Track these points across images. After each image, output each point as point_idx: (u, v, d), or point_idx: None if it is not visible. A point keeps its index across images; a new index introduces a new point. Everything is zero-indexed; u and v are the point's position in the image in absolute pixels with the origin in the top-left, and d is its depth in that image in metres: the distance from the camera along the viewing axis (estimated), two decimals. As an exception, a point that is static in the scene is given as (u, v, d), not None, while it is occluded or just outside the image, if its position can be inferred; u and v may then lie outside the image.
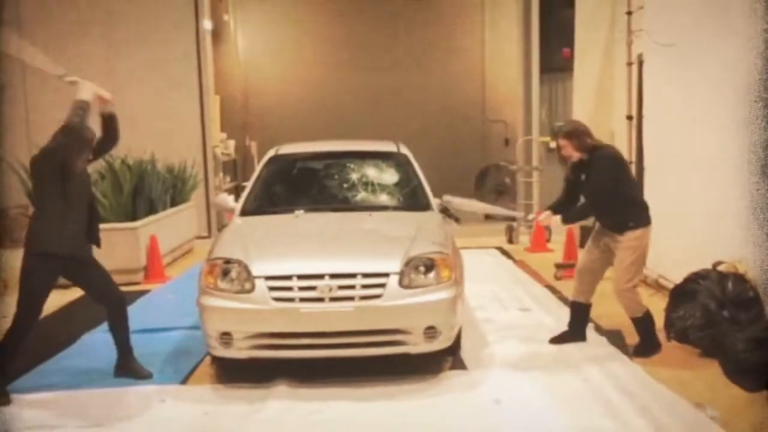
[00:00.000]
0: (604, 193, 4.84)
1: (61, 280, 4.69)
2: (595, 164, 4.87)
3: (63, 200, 4.40)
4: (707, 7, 5.76)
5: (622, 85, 8.06)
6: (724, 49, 5.45)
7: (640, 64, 7.40)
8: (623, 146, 8.02)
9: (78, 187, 4.50)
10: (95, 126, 4.70)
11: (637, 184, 5.04)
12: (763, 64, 4.79)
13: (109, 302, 4.75)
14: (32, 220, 4.54)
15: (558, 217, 5.04)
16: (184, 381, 4.70)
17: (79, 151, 4.44)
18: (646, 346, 4.96)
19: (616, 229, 4.89)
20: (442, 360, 4.82)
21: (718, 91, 5.58)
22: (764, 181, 4.98)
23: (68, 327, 5.87)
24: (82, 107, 4.52)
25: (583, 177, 4.96)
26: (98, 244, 4.72)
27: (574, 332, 5.24)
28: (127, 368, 4.78)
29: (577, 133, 4.92)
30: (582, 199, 5.11)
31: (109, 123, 4.72)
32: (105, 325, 5.82)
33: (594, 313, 5.44)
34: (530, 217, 5.60)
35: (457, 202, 5.61)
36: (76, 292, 6.74)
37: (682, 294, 5.23)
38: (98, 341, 5.54)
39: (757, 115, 4.97)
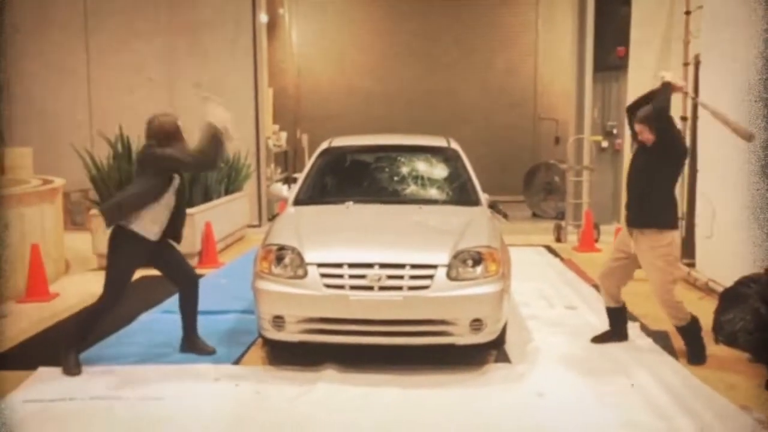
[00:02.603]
0: (650, 178, 4.74)
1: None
2: (665, 144, 4.74)
3: (157, 200, 4.66)
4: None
5: (677, 85, 7.94)
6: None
7: (697, 64, 7.30)
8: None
9: (172, 191, 4.75)
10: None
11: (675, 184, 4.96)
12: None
13: (184, 282, 4.97)
14: (135, 205, 4.71)
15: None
16: (237, 361, 4.89)
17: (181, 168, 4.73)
18: (695, 354, 4.85)
19: (641, 224, 4.80)
20: (487, 352, 4.90)
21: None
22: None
23: (126, 307, 6.09)
24: (218, 138, 4.57)
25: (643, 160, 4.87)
26: (179, 241, 4.97)
27: (616, 332, 5.25)
28: (193, 345, 5.01)
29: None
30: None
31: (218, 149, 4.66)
32: (161, 306, 6.12)
33: (640, 312, 5.44)
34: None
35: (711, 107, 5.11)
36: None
37: (732, 297, 5.18)
38: (155, 321, 5.79)
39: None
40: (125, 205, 4.63)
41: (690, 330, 4.88)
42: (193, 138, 4.82)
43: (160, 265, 4.98)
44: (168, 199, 4.72)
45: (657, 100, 4.81)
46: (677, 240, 4.84)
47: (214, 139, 4.57)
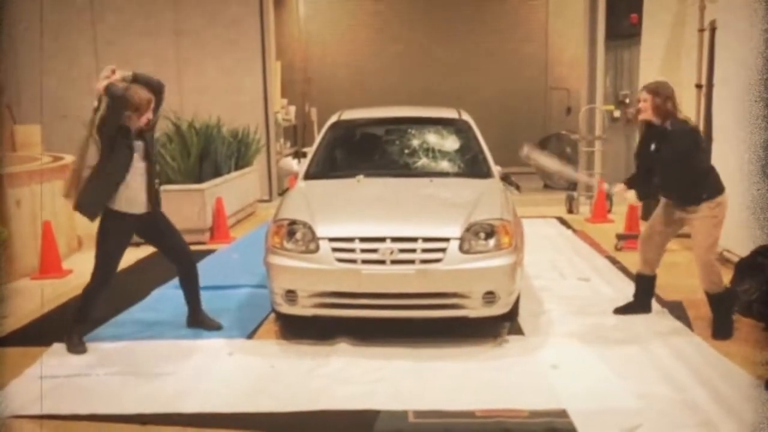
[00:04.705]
0: (677, 171, 4.67)
1: (135, 239, 4.94)
2: (669, 138, 4.67)
3: (116, 167, 4.52)
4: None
5: (692, 52, 7.81)
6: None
7: (713, 30, 7.16)
8: (691, 116, 7.80)
9: (130, 156, 4.56)
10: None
11: (709, 155, 4.86)
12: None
13: (179, 260, 4.97)
14: (112, 186, 4.68)
15: (632, 193, 4.93)
16: (251, 336, 4.90)
17: (122, 116, 4.52)
18: (721, 328, 4.73)
19: (689, 204, 4.74)
20: (500, 325, 4.88)
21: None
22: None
23: (139, 282, 6.15)
24: (110, 90, 4.50)
25: (653, 147, 4.78)
26: (158, 206, 4.82)
27: (640, 303, 5.19)
28: (198, 321, 5.03)
29: (662, 93, 4.70)
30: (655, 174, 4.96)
31: (141, 81, 4.60)
32: (174, 281, 6.12)
33: (656, 283, 5.38)
34: (607, 187, 5.36)
35: (537, 157, 5.50)
36: (146, 250, 7.06)
37: (748, 267, 5.14)
38: (168, 296, 5.81)
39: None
40: (102, 193, 4.56)
41: (721, 300, 4.76)
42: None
43: (153, 241, 4.96)
44: (137, 166, 4.59)
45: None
46: (725, 202, 4.74)
47: (108, 91, 4.47)
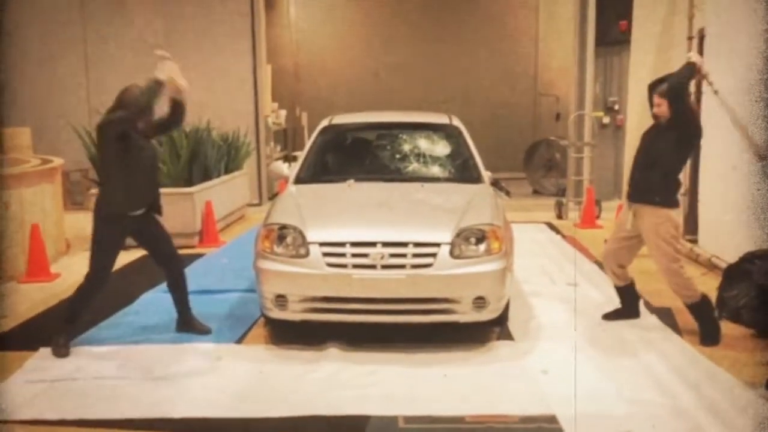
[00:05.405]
0: (658, 146, 4.68)
1: (127, 242, 4.92)
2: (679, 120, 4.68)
3: (124, 167, 4.57)
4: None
5: (681, 59, 7.86)
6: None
7: (701, 38, 7.21)
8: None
9: (140, 156, 4.64)
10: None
11: (683, 163, 4.89)
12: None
13: (165, 263, 4.95)
14: (100, 185, 4.73)
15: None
16: (240, 340, 4.88)
17: (133, 123, 4.55)
18: (707, 334, 4.76)
19: (642, 199, 4.76)
20: (490, 330, 4.89)
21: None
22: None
23: (128, 286, 6.11)
24: (153, 86, 4.53)
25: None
26: (160, 213, 4.91)
27: (627, 309, 5.21)
28: (188, 325, 5.00)
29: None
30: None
31: (176, 109, 4.79)
32: (162, 286, 6.08)
33: (644, 290, 5.42)
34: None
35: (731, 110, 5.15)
36: (134, 254, 7.03)
37: (736, 273, 5.16)
38: (156, 300, 5.77)
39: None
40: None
41: (700, 308, 4.81)
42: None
43: (143, 244, 4.95)
44: (136, 168, 4.61)
45: (675, 77, 4.74)
46: (675, 218, 4.78)
47: (149, 86, 4.52)
